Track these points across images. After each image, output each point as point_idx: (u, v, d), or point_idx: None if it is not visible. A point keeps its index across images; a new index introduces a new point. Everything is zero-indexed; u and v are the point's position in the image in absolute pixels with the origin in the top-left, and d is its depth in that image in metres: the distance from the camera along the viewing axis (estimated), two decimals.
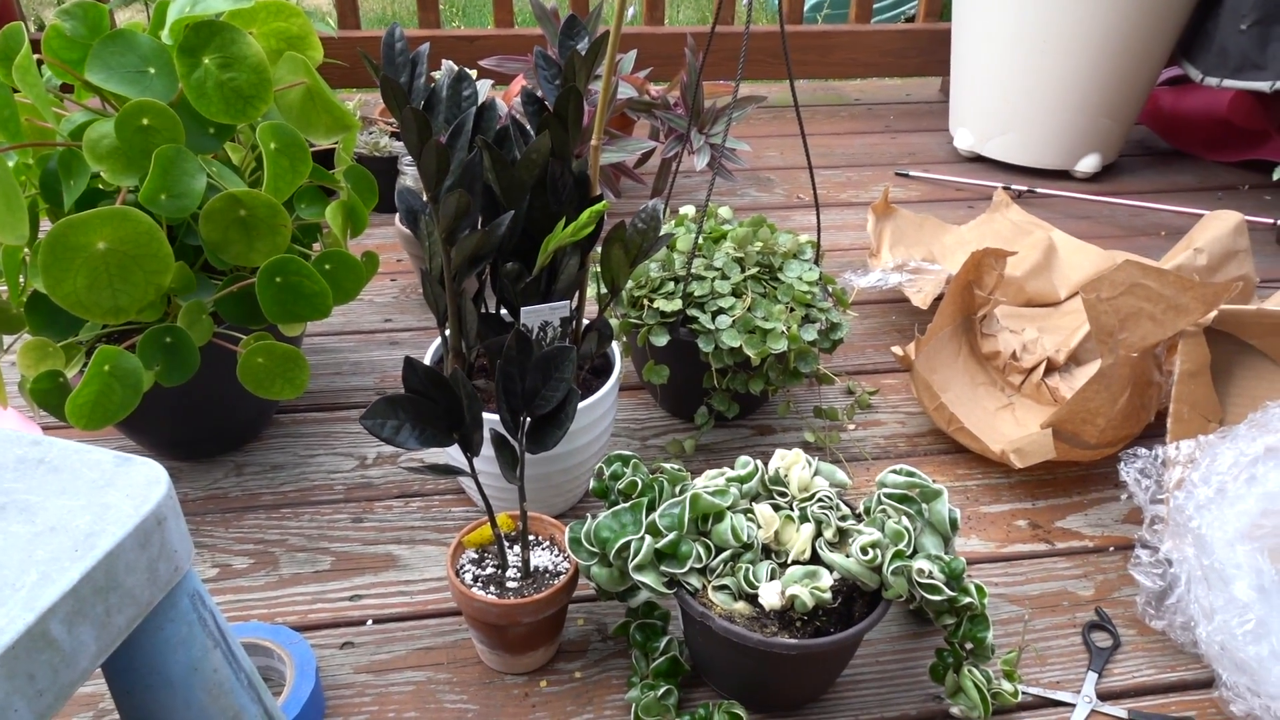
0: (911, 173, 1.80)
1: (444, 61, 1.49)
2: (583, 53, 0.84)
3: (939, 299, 1.28)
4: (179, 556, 0.50)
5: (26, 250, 0.91)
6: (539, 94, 0.90)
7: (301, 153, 0.93)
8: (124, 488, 0.49)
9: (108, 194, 0.94)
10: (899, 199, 1.71)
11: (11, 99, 0.85)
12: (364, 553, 0.94)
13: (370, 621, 0.87)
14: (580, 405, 0.88)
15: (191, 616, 0.53)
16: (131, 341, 0.88)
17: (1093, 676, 0.83)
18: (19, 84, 0.81)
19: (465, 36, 1.94)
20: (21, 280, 0.90)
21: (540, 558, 0.82)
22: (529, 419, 0.77)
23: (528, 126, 0.89)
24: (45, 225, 0.84)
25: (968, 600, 0.74)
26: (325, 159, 1.46)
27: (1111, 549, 0.97)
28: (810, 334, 1.01)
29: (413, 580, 0.91)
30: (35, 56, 0.85)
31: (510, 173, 0.83)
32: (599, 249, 0.88)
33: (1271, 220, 1.54)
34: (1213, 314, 0.93)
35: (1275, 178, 1.56)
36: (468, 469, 0.76)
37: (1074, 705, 0.81)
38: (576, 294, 0.93)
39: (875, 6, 2.64)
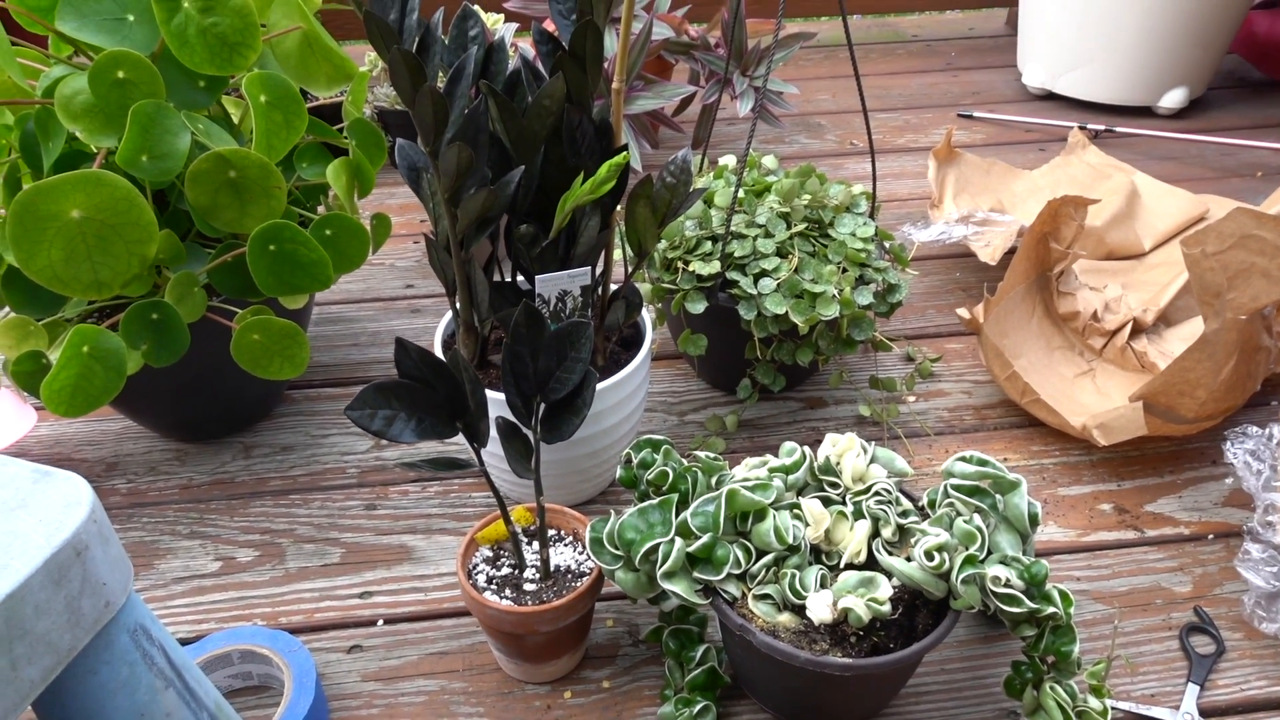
0: (976, 113, 1.66)
1: (466, 5, 1.39)
2: None
3: (1009, 253, 1.15)
4: (109, 590, 0.43)
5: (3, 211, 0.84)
6: (554, 32, 0.79)
7: (296, 106, 0.84)
8: (38, 511, 0.41)
9: (91, 156, 0.86)
10: (962, 142, 1.57)
11: None
12: (376, 544, 0.87)
13: (381, 622, 0.80)
14: (607, 383, 0.79)
15: (133, 655, 0.45)
16: (116, 319, 0.80)
17: (1193, 689, 0.72)
18: None
19: None
20: None
21: (562, 555, 0.74)
22: (543, 404, 0.68)
23: (542, 69, 0.79)
24: None
25: (1051, 610, 0.64)
26: (336, 114, 1.38)
27: (1211, 537, 0.86)
28: (865, 297, 0.90)
29: (427, 575, 0.84)
30: None
31: (520, 122, 0.73)
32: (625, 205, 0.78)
33: None
34: None
35: None
36: (475, 462, 0.67)
37: None
38: (601, 258, 0.83)
39: None
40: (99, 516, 0.42)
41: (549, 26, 1.41)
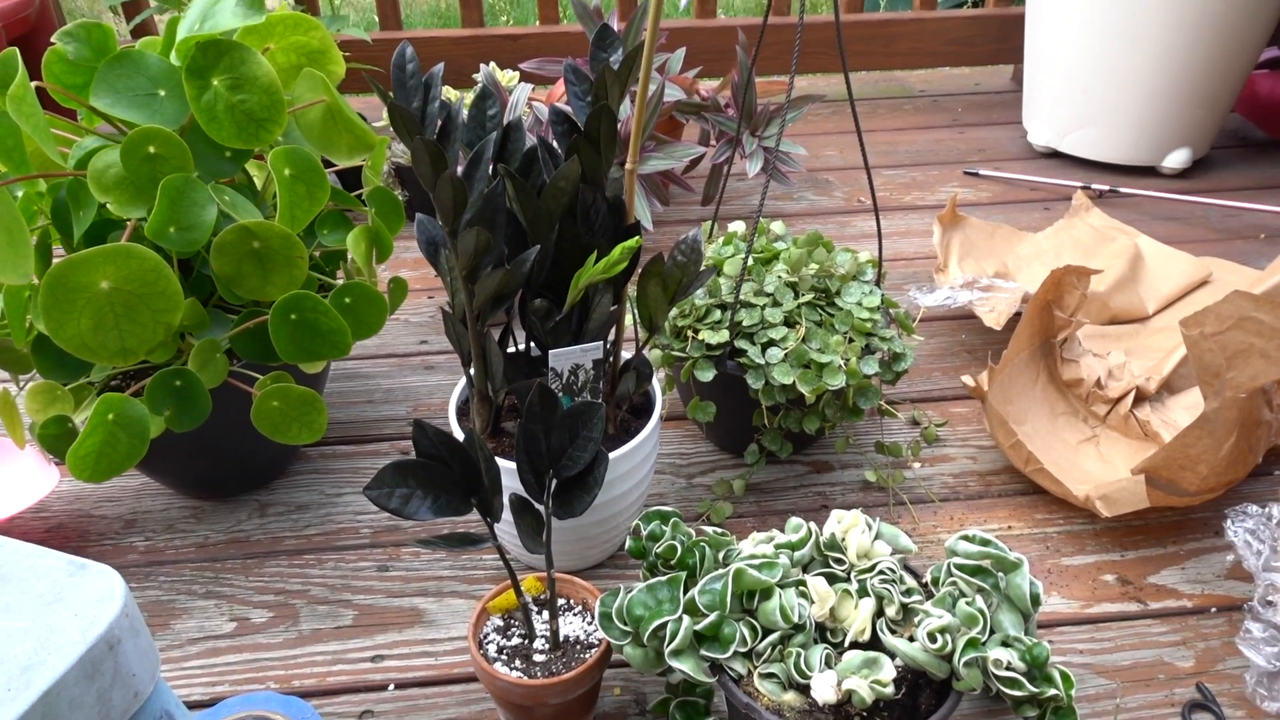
0: (981, 171, 1.68)
1: (482, 66, 1.42)
2: (615, 66, 0.76)
3: (1014, 317, 1.17)
4: (138, 680, 0.44)
5: (36, 279, 0.86)
6: (570, 111, 0.82)
7: (319, 178, 0.86)
8: (73, 605, 0.43)
9: (120, 224, 0.89)
10: (968, 200, 1.60)
11: (16, 128, 0.80)
12: (388, 606, 0.88)
13: (392, 686, 0.81)
14: (617, 453, 0.81)
15: None
16: (140, 385, 0.83)
17: None
18: (14, 114, 0.75)
19: (509, 36, 1.87)
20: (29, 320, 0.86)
21: (571, 625, 0.75)
22: (555, 480, 0.69)
23: (557, 148, 0.81)
24: (61, 256, 0.79)
25: (1052, 692, 0.65)
26: (355, 176, 1.41)
27: (1213, 610, 0.87)
28: (871, 366, 0.92)
29: (438, 639, 0.85)
30: (35, 84, 0.80)
31: (536, 203, 0.75)
32: (637, 281, 0.81)
33: None
34: None
35: None
36: (488, 536, 0.69)
37: None
38: (613, 329, 0.85)
39: None
40: (131, 610, 0.44)
41: (559, 90, 1.44)
